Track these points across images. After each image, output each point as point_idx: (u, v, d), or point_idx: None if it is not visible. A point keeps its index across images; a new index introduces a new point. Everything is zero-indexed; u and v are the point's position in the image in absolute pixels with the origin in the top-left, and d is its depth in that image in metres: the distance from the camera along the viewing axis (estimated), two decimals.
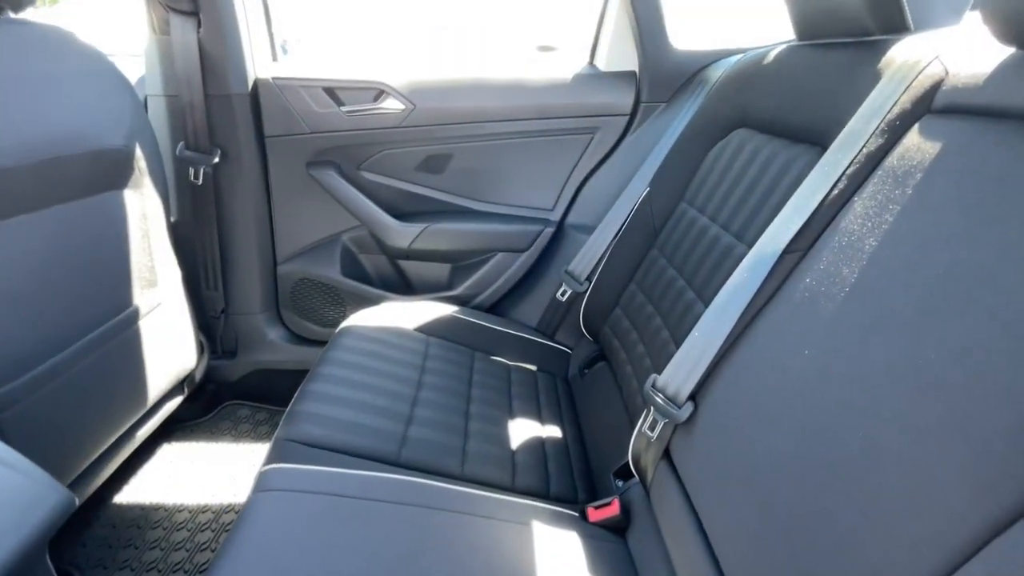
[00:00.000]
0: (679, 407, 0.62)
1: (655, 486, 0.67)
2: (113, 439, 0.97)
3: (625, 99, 1.23)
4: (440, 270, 1.35)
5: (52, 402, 0.81)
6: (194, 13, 1.09)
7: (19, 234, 0.76)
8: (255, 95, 1.18)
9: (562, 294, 1.16)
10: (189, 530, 1.06)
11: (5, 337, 0.74)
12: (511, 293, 1.32)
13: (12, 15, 0.83)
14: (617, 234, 1.07)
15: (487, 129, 1.24)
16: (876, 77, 0.59)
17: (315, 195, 1.27)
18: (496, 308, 1.33)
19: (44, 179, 0.79)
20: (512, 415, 0.92)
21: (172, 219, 1.14)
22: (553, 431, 0.92)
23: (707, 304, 0.66)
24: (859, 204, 0.54)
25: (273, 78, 1.18)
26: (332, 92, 1.20)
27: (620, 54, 1.24)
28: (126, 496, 1.12)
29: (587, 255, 1.12)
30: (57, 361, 0.82)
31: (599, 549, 0.66)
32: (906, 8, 0.62)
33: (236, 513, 1.10)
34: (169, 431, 1.29)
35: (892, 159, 0.53)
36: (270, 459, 0.72)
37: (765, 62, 0.83)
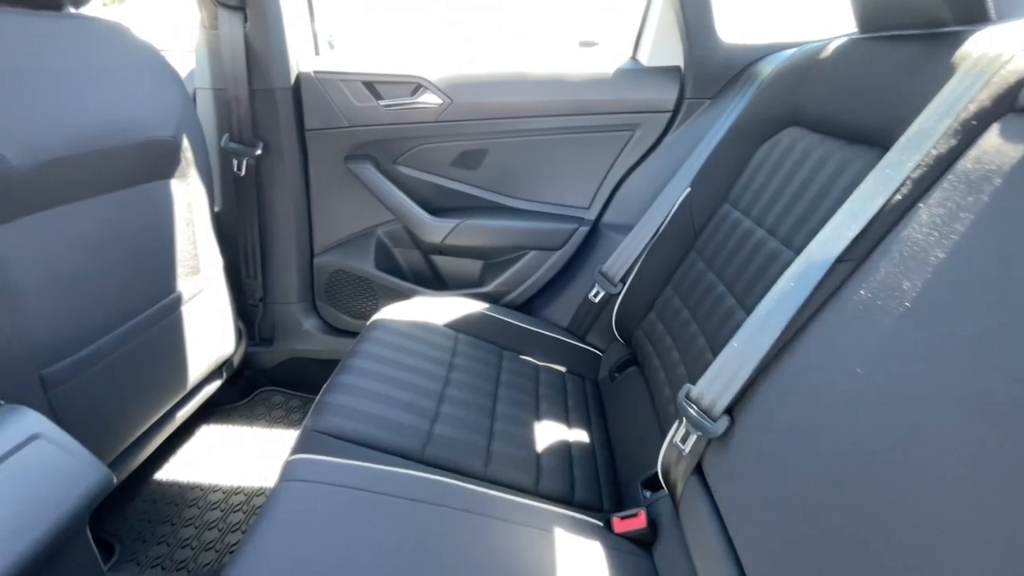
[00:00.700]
0: (714, 420, 0.59)
1: (684, 501, 0.64)
2: (154, 420, 1.01)
3: (668, 95, 1.18)
4: (472, 266, 1.34)
5: (98, 382, 0.85)
6: (241, 8, 1.12)
7: (74, 220, 0.80)
8: (297, 89, 1.20)
9: (595, 295, 1.13)
10: (222, 511, 1.09)
11: (57, 318, 0.78)
12: (543, 292, 1.30)
13: (73, 10, 0.87)
14: (655, 235, 1.04)
15: (524, 125, 1.22)
16: (949, 72, 0.54)
17: (352, 188, 1.28)
18: (527, 307, 1.31)
19: (97, 168, 0.82)
20: (539, 417, 0.90)
21: (216, 209, 1.18)
22: (580, 435, 0.90)
23: (748, 312, 0.62)
24: (924, 211, 0.49)
25: (315, 72, 1.20)
26: (371, 86, 1.21)
27: (664, 48, 1.20)
28: (166, 474, 1.17)
29: (622, 256, 1.08)
30: (103, 343, 0.85)
31: (623, 563, 0.64)
32: None
33: (266, 496, 1.13)
34: (208, 414, 1.34)
35: (966, 162, 0.48)
36: (297, 449, 0.73)
37: (822, 56, 0.78)
